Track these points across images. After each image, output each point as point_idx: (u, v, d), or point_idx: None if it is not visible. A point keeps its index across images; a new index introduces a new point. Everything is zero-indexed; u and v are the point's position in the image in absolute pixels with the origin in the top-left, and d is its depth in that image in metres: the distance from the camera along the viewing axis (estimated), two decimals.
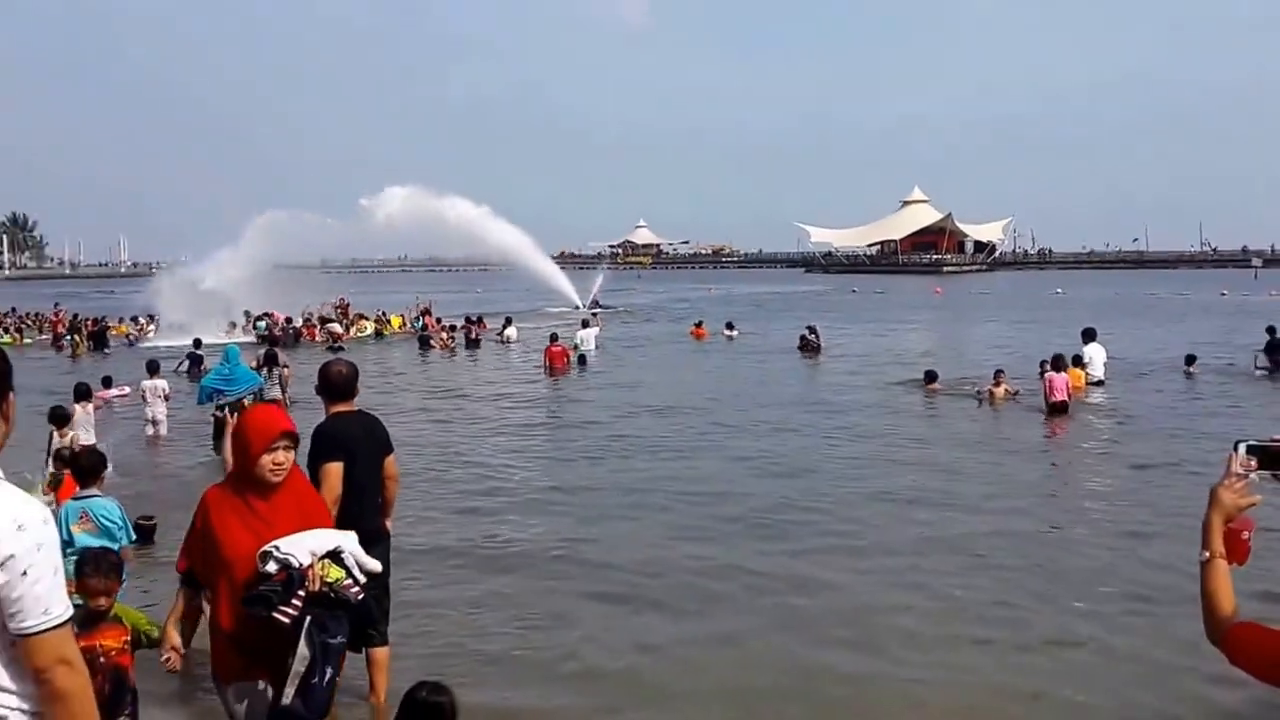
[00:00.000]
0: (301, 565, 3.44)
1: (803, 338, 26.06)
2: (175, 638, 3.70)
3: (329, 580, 3.48)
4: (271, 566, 3.42)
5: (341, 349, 27.40)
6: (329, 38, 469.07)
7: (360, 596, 3.56)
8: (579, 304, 47.44)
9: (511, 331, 30.07)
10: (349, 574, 3.56)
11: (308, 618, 3.40)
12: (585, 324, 27.94)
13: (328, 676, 3.43)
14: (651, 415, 15.95)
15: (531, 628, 6.63)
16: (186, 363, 21.77)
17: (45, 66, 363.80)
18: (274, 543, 3.45)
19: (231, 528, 3.55)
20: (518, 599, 7.15)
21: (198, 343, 22.85)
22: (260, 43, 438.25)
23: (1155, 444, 12.90)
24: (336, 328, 31.62)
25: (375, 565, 3.78)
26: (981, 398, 16.63)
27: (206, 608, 3.76)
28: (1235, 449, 2.43)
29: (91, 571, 4.24)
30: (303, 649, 3.39)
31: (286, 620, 3.37)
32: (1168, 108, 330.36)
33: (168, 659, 3.71)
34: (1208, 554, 2.36)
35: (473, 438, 14.42)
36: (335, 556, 3.56)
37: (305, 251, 41.92)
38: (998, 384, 16.72)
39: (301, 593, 3.41)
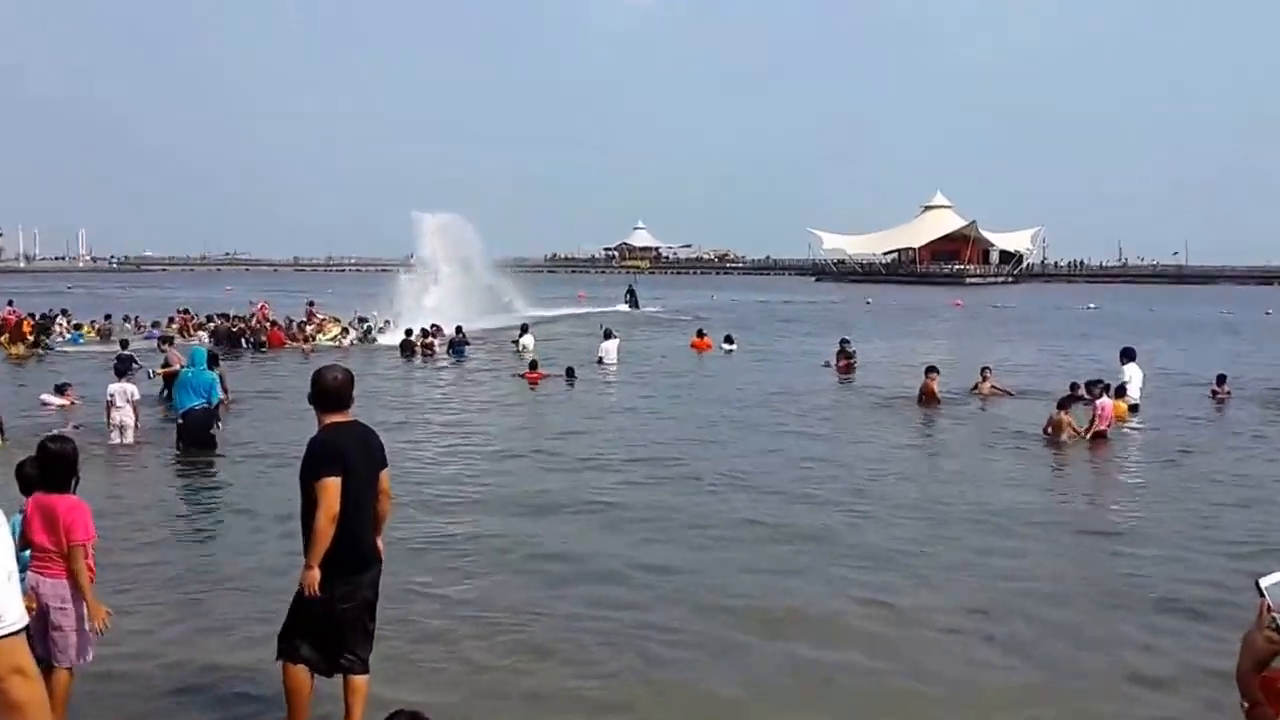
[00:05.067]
0: None
1: (839, 353, 24.46)
2: None
3: None
4: None
5: (262, 350, 27.62)
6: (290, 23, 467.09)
7: None
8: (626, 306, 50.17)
9: (528, 340, 27.57)
10: None
11: None
12: (608, 335, 26.88)
13: None
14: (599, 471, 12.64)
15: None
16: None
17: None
18: None
19: None
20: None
21: (125, 343, 22.89)
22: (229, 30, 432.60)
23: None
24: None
25: None
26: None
27: None
28: (1261, 593, 2.35)
29: None
30: None
31: None
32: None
33: None
34: (1247, 704, 2.34)
35: None
36: None
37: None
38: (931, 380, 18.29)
39: None
